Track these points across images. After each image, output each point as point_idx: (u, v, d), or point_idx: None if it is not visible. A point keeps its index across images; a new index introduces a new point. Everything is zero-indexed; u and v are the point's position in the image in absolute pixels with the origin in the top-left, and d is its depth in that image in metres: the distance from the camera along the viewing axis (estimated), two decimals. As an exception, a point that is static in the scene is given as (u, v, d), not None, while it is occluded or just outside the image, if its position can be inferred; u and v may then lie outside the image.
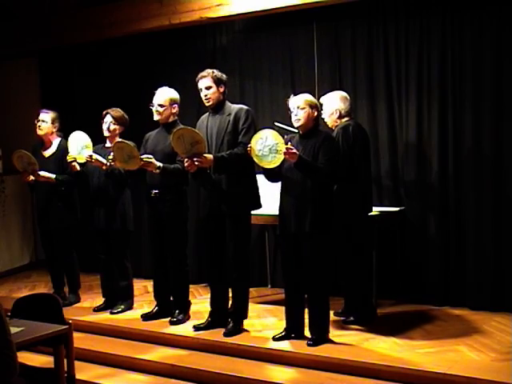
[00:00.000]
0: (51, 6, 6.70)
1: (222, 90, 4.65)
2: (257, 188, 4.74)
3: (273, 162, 4.28)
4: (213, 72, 4.64)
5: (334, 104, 4.84)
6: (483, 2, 4.97)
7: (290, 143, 4.24)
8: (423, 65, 5.24)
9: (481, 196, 5.05)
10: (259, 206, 4.74)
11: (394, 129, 5.43)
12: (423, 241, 5.29)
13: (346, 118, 4.83)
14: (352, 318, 4.83)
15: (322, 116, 4.92)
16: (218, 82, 4.63)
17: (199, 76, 4.66)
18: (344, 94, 4.91)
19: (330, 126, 4.93)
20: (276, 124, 4.51)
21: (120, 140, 5.04)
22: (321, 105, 4.94)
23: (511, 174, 4.94)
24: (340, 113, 4.82)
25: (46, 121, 5.67)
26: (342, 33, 5.61)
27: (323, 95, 4.97)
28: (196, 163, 4.42)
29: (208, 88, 4.62)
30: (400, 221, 5.35)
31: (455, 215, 5.18)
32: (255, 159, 4.36)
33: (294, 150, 4.16)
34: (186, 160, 4.46)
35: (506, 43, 4.89)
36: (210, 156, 4.48)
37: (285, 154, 4.17)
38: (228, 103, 4.70)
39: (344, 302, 5.03)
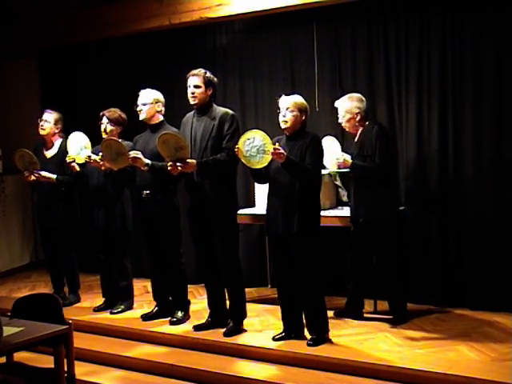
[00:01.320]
0: (51, 6, 6.70)
1: (209, 92, 4.64)
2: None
3: (261, 162, 4.28)
4: (205, 72, 4.63)
5: (353, 108, 4.75)
6: (483, 1, 4.97)
7: (277, 144, 4.25)
8: (423, 65, 5.23)
9: (481, 196, 5.05)
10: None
11: (394, 129, 5.43)
12: (423, 241, 5.29)
13: (368, 121, 4.80)
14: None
15: (339, 121, 4.88)
16: (207, 83, 4.62)
17: (191, 73, 4.65)
18: (358, 95, 4.85)
19: (349, 130, 4.87)
20: None
21: (107, 137, 5.05)
22: (336, 109, 4.91)
23: (511, 174, 4.94)
24: (361, 115, 4.76)
25: (48, 121, 5.68)
26: (342, 33, 5.61)
27: (338, 98, 4.93)
28: (179, 168, 4.46)
29: (196, 87, 4.61)
30: (400, 221, 5.34)
31: (455, 215, 5.18)
32: (243, 160, 4.35)
33: (282, 151, 4.16)
34: (169, 164, 4.49)
35: (506, 43, 4.89)
36: (193, 161, 4.50)
37: (272, 154, 4.17)
38: (214, 106, 4.69)
39: (346, 301, 5.04)
